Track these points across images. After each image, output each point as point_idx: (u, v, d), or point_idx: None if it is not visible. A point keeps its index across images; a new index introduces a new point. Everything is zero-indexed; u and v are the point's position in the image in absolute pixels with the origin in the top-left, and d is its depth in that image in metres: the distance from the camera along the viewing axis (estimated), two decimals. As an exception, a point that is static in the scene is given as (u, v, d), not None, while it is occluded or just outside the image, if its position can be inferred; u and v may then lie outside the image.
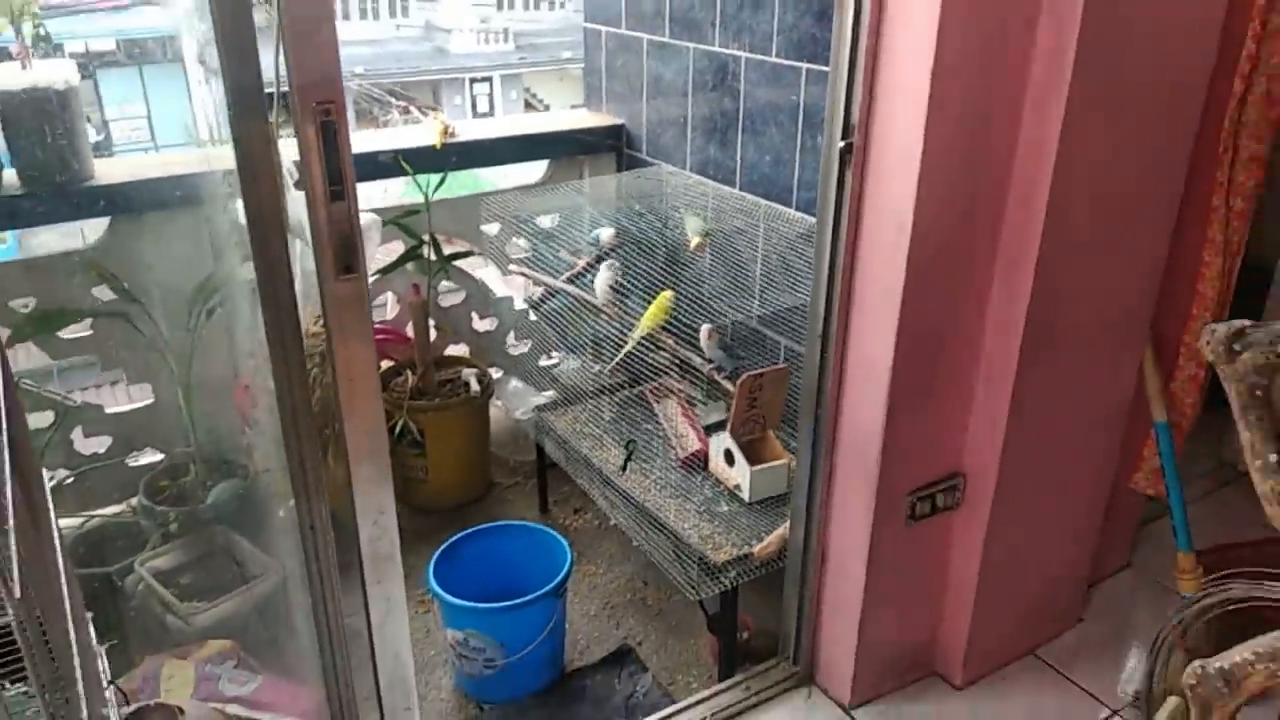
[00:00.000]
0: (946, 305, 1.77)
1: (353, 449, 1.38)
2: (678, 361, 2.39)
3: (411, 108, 14.98)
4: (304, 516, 1.42)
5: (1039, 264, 1.73)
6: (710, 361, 2.35)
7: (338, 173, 1.23)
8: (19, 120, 2.31)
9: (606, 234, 2.73)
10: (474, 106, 19.91)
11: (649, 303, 2.40)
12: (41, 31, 2.47)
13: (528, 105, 20.59)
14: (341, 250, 1.26)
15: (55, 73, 2.35)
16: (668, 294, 2.35)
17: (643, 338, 2.35)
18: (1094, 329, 1.93)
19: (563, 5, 20.87)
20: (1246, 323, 1.31)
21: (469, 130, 2.98)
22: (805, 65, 2.35)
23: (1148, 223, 1.90)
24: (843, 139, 1.67)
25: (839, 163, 1.70)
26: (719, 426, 2.63)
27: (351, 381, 1.34)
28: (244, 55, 1.20)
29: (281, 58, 1.20)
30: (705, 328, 2.31)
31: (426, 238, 2.85)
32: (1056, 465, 2.04)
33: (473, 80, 19.62)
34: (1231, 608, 1.54)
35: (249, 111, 1.23)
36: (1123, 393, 2.08)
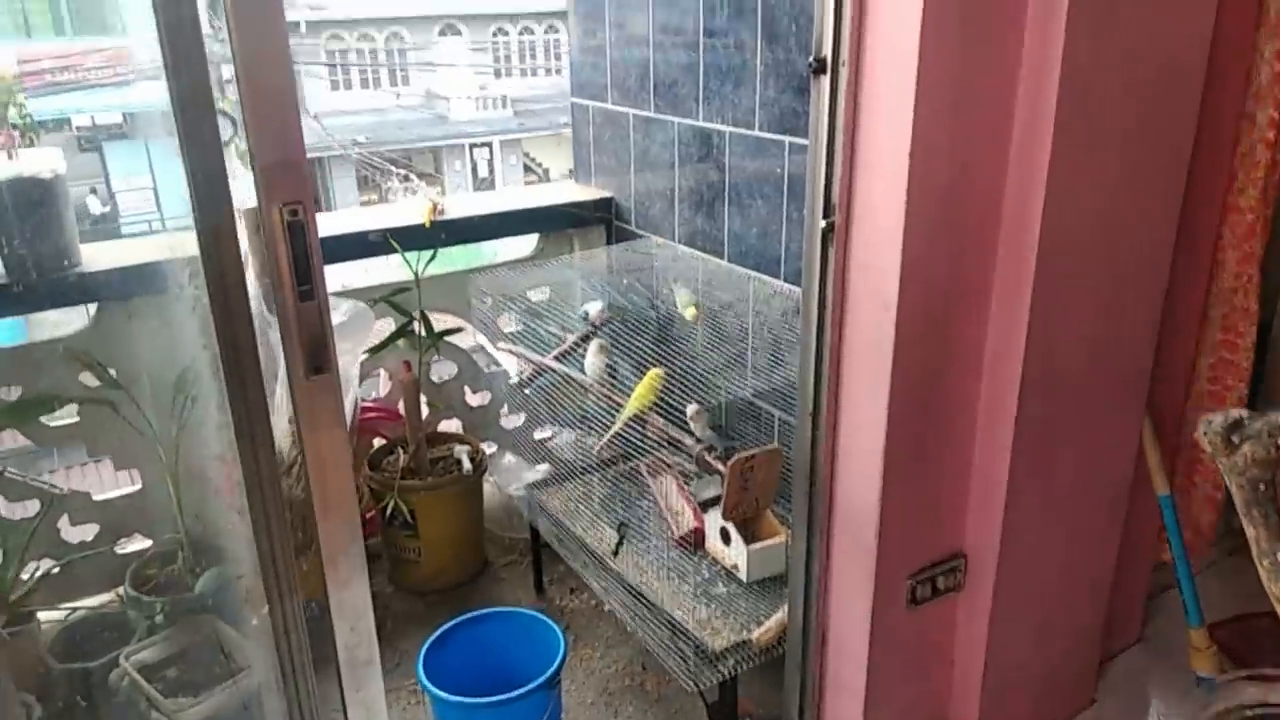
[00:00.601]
0: (937, 379, 1.74)
1: (326, 550, 1.34)
2: (668, 440, 2.35)
3: (411, 175, 15.16)
4: (278, 621, 1.37)
5: (1030, 331, 1.69)
6: (700, 441, 2.31)
7: (306, 272, 1.20)
8: (4, 209, 2.31)
9: (595, 309, 2.71)
10: (474, 171, 20.18)
11: (640, 379, 2.37)
12: (28, 120, 2.47)
13: (527, 169, 20.87)
14: (311, 350, 1.23)
15: (41, 161, 2.36)
16: (656, 372, 2.32)
17: (631, 417, 2.31)
18: (1091, 399, 1.89)
19: (559, 72, 21.24)
20: (1244, 412, 1.26)
21: (458, 207, 2.98)
22: (787, 139, 2.35)
23: (1141, 289, 1.87)
24: (824, 218, 1.65)
25: (821, 241, 1.68)
26: (716, 502, 2.58)
27: (325, 481, 1.31)
28: (205, 149, 1.18)
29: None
30: (692, 408, 2.27)
31: (417, 314, 2.83)
32: (1060, 541, 1.98)
33: (473, 146, 19.90)
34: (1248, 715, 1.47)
35: (211, 202, 1.20)
36: (1123, 466, 2.03)
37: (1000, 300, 1.71)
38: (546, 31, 20.98)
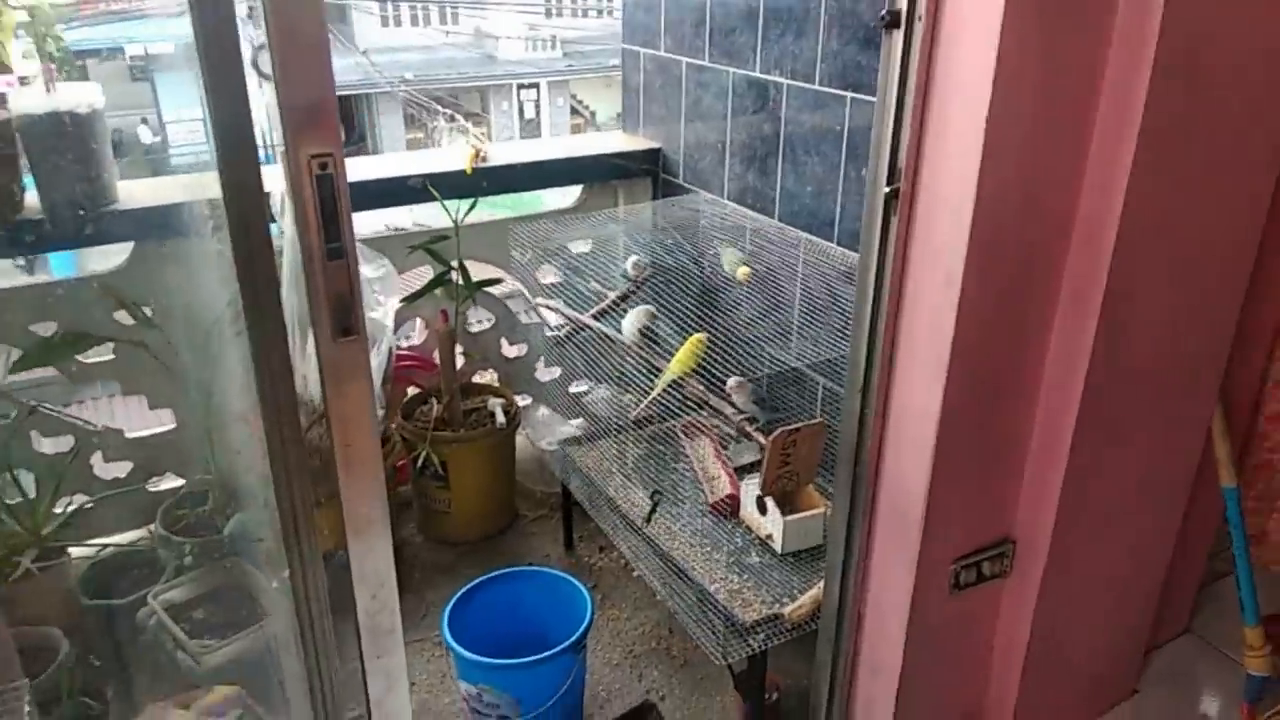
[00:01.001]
0: (999, 361, 1.64)
1: (350, 518, 1.29)
2: (707, 406, 2.27)
3: (457, 115, 15.02)
4: (298, 585, 1.33)
5: (1101, 319, 1.59)
6: (742, 412, 2.23)
7: (335, 230, 1.13)
8: (41, 144, 2.27)
9: (632, 262, 2.63)
10: (521, 112, 19.96)
11: (681, 342, 2.29)
12: (65, 53, 2.42)
13: (574, 111, 20.61)
14: (339, 311, 1.17)
15: (79, 96, 2.31)
16: (699, 337, 2.24)
17: (670, 382, 2.23)
18: (1160, 389, 1.78)
19: (611, 14, 20.84)
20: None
21: (500, 154, 2.89)
22: (850, 94, 2.23)
23: (1221, 278, 1.75)
24: (888, 184, 1.55)
25: (884, 208, 1.57)
26: (753, 468, 2.52)
27: (349, 447, 1.25)
28: (230, 91, 1.10)
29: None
30: (733, 380, 2.19)
31: (455, 264, 2.77)
32: (1116, 531, 1.89)
33: (520, 87, 19.67)
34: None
35: (235, 148, 1.13)
36: (1188, 457, 1.92)
37: (1071, 286, 1.60)
38: (600, -30, 20.54)
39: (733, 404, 2.24)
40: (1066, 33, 1.43)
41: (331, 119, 1.12)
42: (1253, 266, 1.78)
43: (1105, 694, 2.14)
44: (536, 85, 19.85)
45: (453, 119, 14.74)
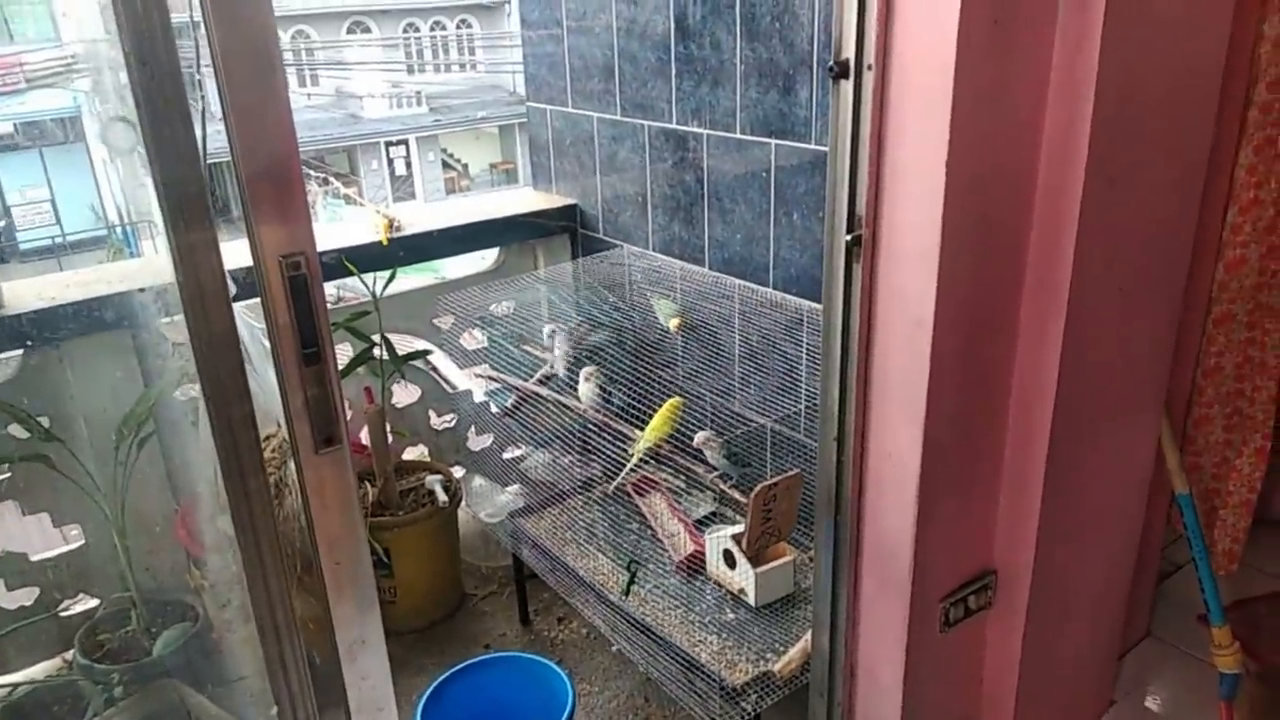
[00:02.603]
0: (972, 396, 1.65)
1: (344, 643, 1.18)
2: (680, 472, 2.23)
3: (330, 178, 14.70)
4: (275, 672, 1.21)
5: (1065, 341, 1.61)
6: (713, 469, 2.19)
7: (312, 333, 1.04)
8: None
9: (548, 331, 2.59)
10: (391, 170, 19.68)
11: (631, 402, 2.24)
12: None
13: (445, 165, 20.46)
14: (321, 420, 1.08)
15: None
16: (676, 402, 2.19)
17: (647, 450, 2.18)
18: (1116, 405, 1.83)
19: (474, 67, 20.87)
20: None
21: (414, 221, 2.80)
22: (774, 141, 2.24)
23: (1163, 294, 1.81)
24: (849, 232, 1.54)
25: (846, 256, 1.57)
26: (710, 519, 2.48)
27: (338, 565, 1.15)
28: (181, 154, 1.00)
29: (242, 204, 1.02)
30: (701, 435, 2.15)
31: (378, 338, 2.66)
32: (1088, 549, 1.92)
33: (388, 144, 19.40)
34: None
35: (191, 217, 1.01)
36: (1143, 467, 1.97)
37: (1031, 311, 1.63)
38: (459, 26, 20.55)
39: (704, 461, 2.19)
40: (1012, 67, 1.46)
41: (303, 214, 1.03)
42: (1185, 283, 1.85)
43: (1087, 708, 2.16)
44: (405, 142, 19.62)
45: (325, 182, 14.40)
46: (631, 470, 2.25)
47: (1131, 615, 2.26)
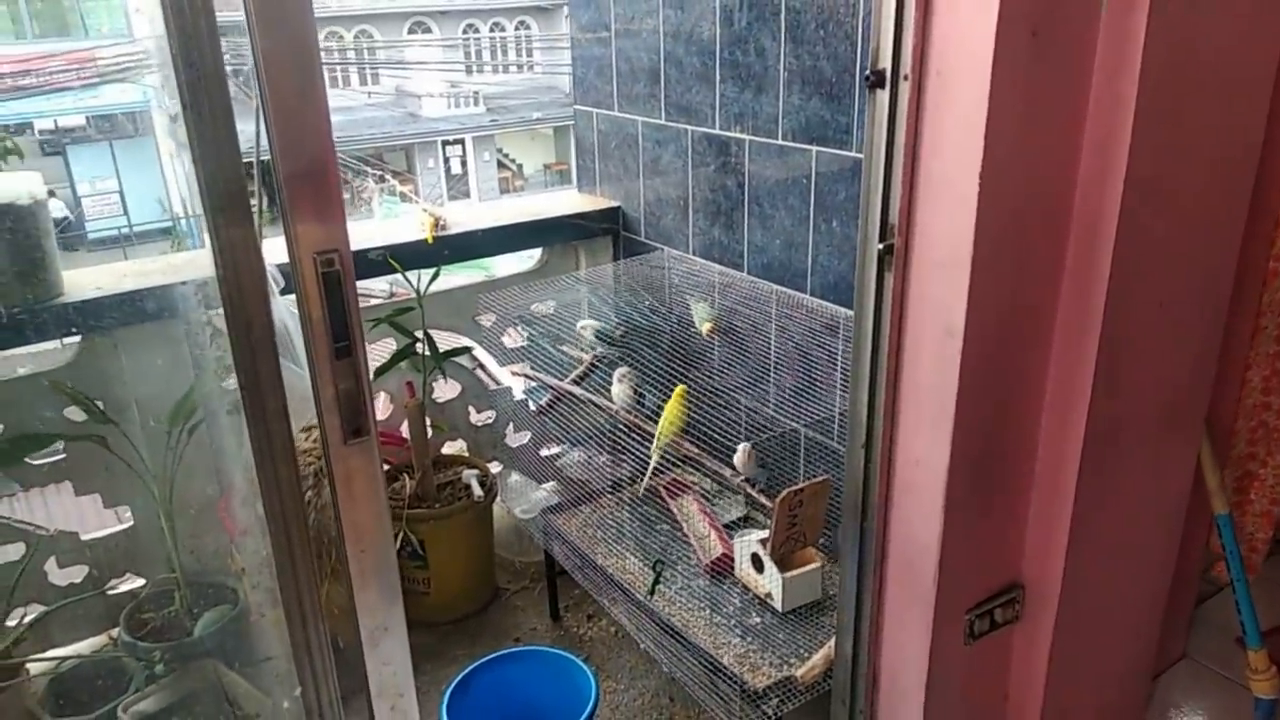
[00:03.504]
0: (1002, 407, 1.64)
1: (366, 629, 1.22)
2: (707, 475, 2.24)
3: (386, 175, 14.93)
4: (310, 702, 1.25)
5: (1099, 359, 1.60)
6: (739, 474, 2.20)
7: (343, 327, 1.08)
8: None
9: (590, 328, 2.61)
10: (448, 169, 19.94)
11: (664, 404, 2.26)
12: (9, 144, 2.32)
13: (500, 165, 20.68)
14: (350, 412, 1.11)
15: (20, 186, 2.21)
16: (681, 389, 2.21)
17: (667, 444, 2.20)
18: (1153, 421, 1.80)
19: (531, 68, 21.05)
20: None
21: (459, 220, 2.85)
22: (815, 148, 2.24)
23: (1203, 310, 1.78)
24: (881, 240, 1.55)
25: (878, 264, 1.57)
26: (741, 523, 2.48)
27: (364, 554, 1.18)
28: (222, 152, 1.03)
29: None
30: (744, 447, 2.16)
31: (420, 334, 2.71)
32: (1120, 566, 1.90)
33: (445, 143, 19.66)
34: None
35: (230, 214, 1.05)
36: (1181, 485, 1.94)
37: (1066, 324, 1.62)
38: (517, 28, 20.75)
39: (731, 465, 2.20)
40: (1050, 77, 1.45)
41: (338, 212, 1.07)
42: (1230, 298, 1.81)
43: (1116, 729, 2.13)
44: (462, 141, 19.87)
45: (382, 179, 14.63)
46: (660, 471, 2.26)
47: (1167, 636, 2.22)
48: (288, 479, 1.13)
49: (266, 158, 1.18)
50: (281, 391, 1.12)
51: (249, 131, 1.16)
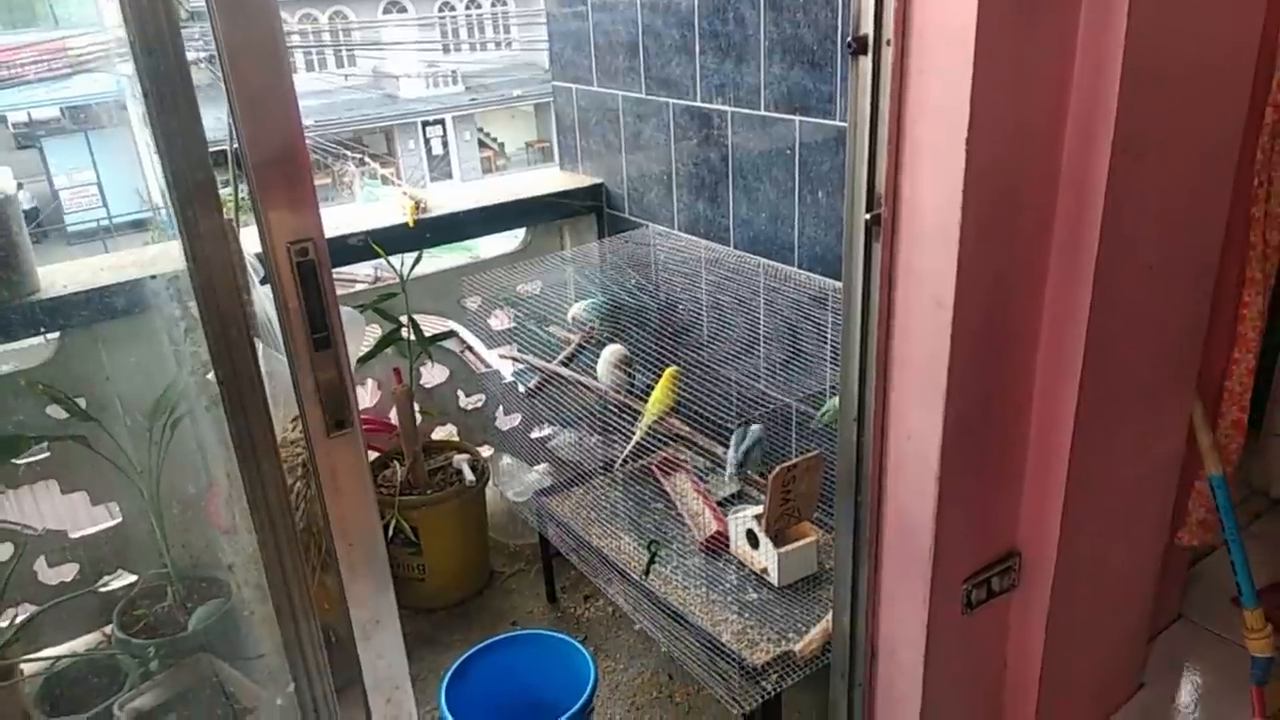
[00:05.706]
0: (994, 375, 1.63)
1: (358, 622, 1.20)
2: (700, 450, 2.23)
3: (366, 158, 14.79)
4: (305, 700, 1.23)
5: (1091, 321, 1.58)
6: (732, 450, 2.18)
7: (321, 317, 1.05)
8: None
9: (578, 309, 2.58)
10: (429, 150, 19.77)
11: (652, 383, 2.24)
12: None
13: (481, 144, 20.51)
14: (332, 404, 1.09)
15: (-11, 182, 2.16)
16: (673, 370, 2.19)
17: (653, 423, 2.18)
18: (1145, 385, 1.79)
19: (509, 45, 20.84)
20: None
21: (440, 202, 2.81)
22: (798, 118, 2.21)
23: (1193, 272, 1.77)
24: (868, 211, 1.52)
25: (865, 235, 1.55)
26: (735, 499, 2.47)
27: (352, 547, 1.16)
28: (186, 141, 1.00)
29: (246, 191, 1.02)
30: (754, 429, 2.14)
31: (405, 319, 2.68)
32: (1116, 530, 1.89)
33: (425, 124, 19.48)
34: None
35: (199, 204, 1.02)
36: (1174, 447, 1.94)
37: (1057, 290, 1.60)
38: (494, 4, 20.51)
39: (724, 443, 2.19)
40: (1035, 40, 1.42)
41: (310, 200, 1.04)
42: (1219, 260, 1.80)
43: (1115, 691, 2.14)
44: (442, 121, 19.69)
45: (362, 162, 14.50)
46: (647, 448, 2.25)
47: (1162, 597, 2.23)
48: (271, 473, 1.11)
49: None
50: (260, 385, 1.10)
51: (226, 120, 1.13)
